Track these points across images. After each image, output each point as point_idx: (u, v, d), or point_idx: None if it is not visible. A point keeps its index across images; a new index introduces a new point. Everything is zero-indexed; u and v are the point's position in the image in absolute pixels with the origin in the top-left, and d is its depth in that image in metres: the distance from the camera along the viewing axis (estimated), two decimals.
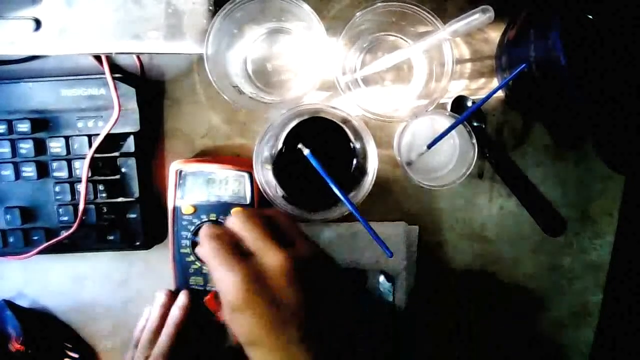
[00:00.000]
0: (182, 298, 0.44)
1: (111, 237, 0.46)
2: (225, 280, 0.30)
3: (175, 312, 0.44)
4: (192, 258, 0.44)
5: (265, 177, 0.40)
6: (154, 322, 0.44)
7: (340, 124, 0.41)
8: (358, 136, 0.41)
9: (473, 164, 0.41)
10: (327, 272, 0.34)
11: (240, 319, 0.30)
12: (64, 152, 0.44)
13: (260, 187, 0.39)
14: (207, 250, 0.32)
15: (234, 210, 0.35)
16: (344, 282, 0.45)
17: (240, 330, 0.30)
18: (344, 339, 0.33)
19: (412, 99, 0.45)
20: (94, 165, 0.44)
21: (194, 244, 0.44)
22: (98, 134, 0.43)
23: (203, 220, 0.43)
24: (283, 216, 0.35)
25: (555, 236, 0.49)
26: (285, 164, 0.41)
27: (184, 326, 0.43)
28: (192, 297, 0.45)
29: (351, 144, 0.41)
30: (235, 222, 0.33)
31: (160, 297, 0.45)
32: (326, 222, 0.47)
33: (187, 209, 0.43)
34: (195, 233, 0.43)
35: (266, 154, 0.41)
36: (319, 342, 0.31)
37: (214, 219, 0.43)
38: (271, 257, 0.31)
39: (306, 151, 0.39)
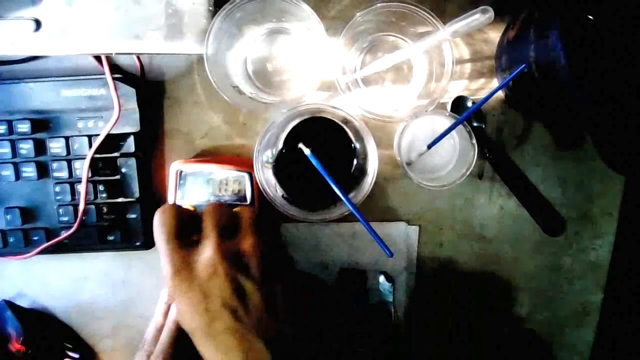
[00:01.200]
0: None
1: (111, 237, 0.46)
2: (163, 266, 0.32)
3: (175, 310, 0.44)
4: None
5: (266, 176, 0.40)
6: (159, 319, 0.44)
7: (341, 124, 0.41)
8: (358, 136, 0.41)
9: (473, 164, 0.41)
10: (269, 266, 0.35)
11: (177, 306, 0.32)
12: (64, 153, 0.44)
13: (260, 186, 0.39)
14: (154, 226, 0.34)
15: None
16: (293, 279, 0.46)
17: (179, 317, 0.32)
18: (280, 333, 0.34)
19: (412, 99, 0.45)
20: (94, 165, 0.44)
21: None
22: (98, 134, 0.43)
23: None
24: (248, 212, 0.37)
25: (555, 236, 0.49)
26: (285, 163, 0.41)
27: None
28: None
29: (352, 144, 0.41)
30: (205, 210, 0.36)
31: (165, 294, 0.45)
32: (326, 222, 0.48)
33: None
34: None
35: (267, 154, 0.41)
36: (252, 334, 0.31)
37: None
38: (206, 247, 0.32)
39: (307, 151, 0.39)
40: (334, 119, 0.41)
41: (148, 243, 0.46)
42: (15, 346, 0.45)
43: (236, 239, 0.35)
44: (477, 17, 0.36)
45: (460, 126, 0.41)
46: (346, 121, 0.41)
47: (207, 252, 0.32)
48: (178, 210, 0.36)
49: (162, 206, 0.36)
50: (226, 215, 0.36)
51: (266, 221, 0.41)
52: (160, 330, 0.44)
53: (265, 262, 0.36)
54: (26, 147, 0.44)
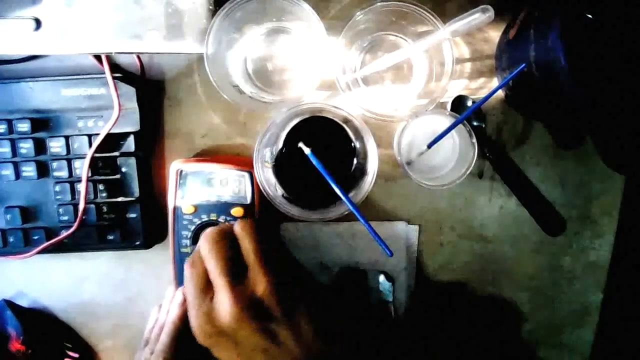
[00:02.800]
0: (179, 295, 0.44)
1: (111, 237, 0.46)
2: (191, 319, 0.34)
3: (174, 310, 0.44)
4: None
5: (266, 176, 0.40)
6: (163, 318, 0.45)
7: (341, 123, 0.41)
8: (358, 136, 0.41)
9: (473, 164, 0.41)
10: (287, 296, 0.36)
11: (213, 352, 0.34)
12: (64, 152, 0.44)
13: (260, 186, 0.39)
14: (184, 278, 0.36)
15: (207, 230, 0.37)
16: (338, 291, 0.47)
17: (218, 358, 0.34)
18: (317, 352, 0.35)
19: (412, 99, 0.45)
20: (94, 165, 0.44)
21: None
22: (98, 134, 0.43)
23: (203, 220, 0.43)
24: (246, 236, 0.37)
25: (555, 236, 0.49)
26: (285, 163, 0.41)
27: (184, 323, 0.43)
28: None
29: (352, 144, 0.41)
30: (202, 246, 0.36)
31: (170, 293, 0.45)
32: (326, 222, 0.47)
33: (187, 208, 0.43)
34: (196, 233, 0.43)
35: (267, 153, 0.41)
36: None
37: (215, 218, 0.43)
38: (222, 298, 0.34)
39: (307, 150, 0.39)
40: (334, 119, 0.41)
41: (148, 243, 0.46)
42: (15, 346, 0.45)
43: (248, 280, 0.35)
44: (477, 17, 0.36)
45: (460, 126, 0.41)
46: (346, 120, 0.41)
47: (225, 305, 0.33)
48: (203, 266, 0.36)
49: (190, 259, 0.37)
50: (227, 249, 0.36)
51: (266, 222, 0.41)
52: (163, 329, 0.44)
53: (283, 292, 0.36)
54: (26, 147, 0.44)
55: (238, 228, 0.37)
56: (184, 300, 0.44)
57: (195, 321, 0.34)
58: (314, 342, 0.35)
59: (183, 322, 0.43)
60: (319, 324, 0.36)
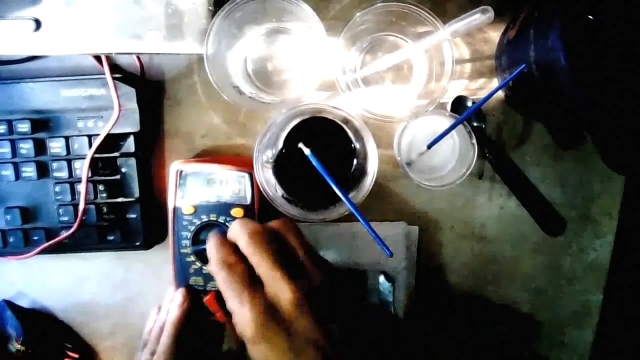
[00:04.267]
0: (179, 296, 0.44)
1: (111, 237, 0.46)
2: (240, 315, 0.32)
3: (174, 311, 0.44)
4: (192, 258, 0.44)
5: (266, 176, 0.40)
6: (163, 319, 0.44)
7: (341, 123, 0.41)
8: (359, 136, 0.41)
9: (473, 164, 0.41)
10: (337, 292, 0.35)
11: (258, 349, 0.32)
12: (64, 152, 0.44)
13: (260, 186, 0.39)
14: (219, 280, 0.33)
15: (237, 221, 0.35)
16: (350, 294, 0.46)
17: (258, 358, 0.32)
18: (363, 349, 0.35)
19: (412, 99, 0.45)
20: (94, 165, 0.44)
21: (198, 254, 0.44)
22: (98, 134, 0.43)
23: (203, 220, 0.43)
24: (290, 231, 0.35)
25: (555, 236, 0.49)
26: (285, 163, 0.41)
27: (184, 324, 0.43)
28: (192, 297, 0.45)
29: (352, 144, 0.41)
30: (246, 242, 0.33)
31: (170, 294, 0.45)
32: (326, 222, 0.47)
33: (187, 209, 0.43)
34: (196, 233, 0.43)
35: (267, 153, 0.41)
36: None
37: (214, 219, 0.43)
38: (282, 290, 0.32)
39: (307, 151, 0.39)
40: (334, 119, 0.41)
41: (148, 243, 0.46)
42: (15, 346, 0.45)
43: (302, 273, 0.34)
44: (477, 17, 0.36)
45: (460, 126, 0.41)
46: (346, 121, 0.41)
47: (286, 294, 0.32)
48: (242, 260, 0.34)
49: (221, 260, 0.34)
50: (273, 243, 0.34)
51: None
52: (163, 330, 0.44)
53: (335, 286, 0.35)
54: (26, 147, 0.44)
55: (280, 225, 0.35)
56: (184, 301, 0.44)
57: (248, 314, 0.32)
58: (354, 343, 0.35)
59: (183, 323, 0.43)
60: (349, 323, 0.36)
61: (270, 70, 0.45)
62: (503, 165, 0.47)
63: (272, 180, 0.41)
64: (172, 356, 0.42)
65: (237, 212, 0.43)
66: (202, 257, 0.44)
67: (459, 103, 0.46)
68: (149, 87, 0.46)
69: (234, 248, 0.34)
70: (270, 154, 0.41)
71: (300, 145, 0.39)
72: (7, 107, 0.44)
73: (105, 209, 0.45)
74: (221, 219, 0.43)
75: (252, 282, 0.33)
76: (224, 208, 0.43)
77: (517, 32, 0.40)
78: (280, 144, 0.41)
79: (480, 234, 0.49)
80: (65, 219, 0.45)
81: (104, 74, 0.43)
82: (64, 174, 0.45)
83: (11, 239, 0.45)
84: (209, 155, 0.48)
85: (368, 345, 0.47)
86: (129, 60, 0.46)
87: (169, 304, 0.45)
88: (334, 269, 0.37)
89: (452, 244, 0.49)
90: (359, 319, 0.49)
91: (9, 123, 0.44)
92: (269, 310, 0.32)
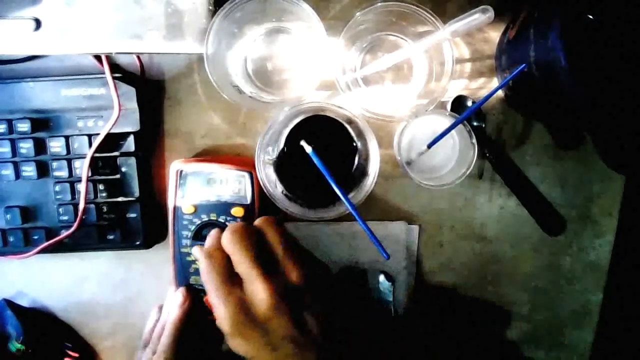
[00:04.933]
0: (179, 296, 0.44)
1: (111, 237, 0.46)
2: (218, 309, 0.33)
3: (174, 310, 0.44)
4: (192, 257, 0.44)
5: (266, 172, 0.40)
6: (164, 319, 0.45)
7: (344, 123, 0.41)
8: (361, 136, 0.41)
9: (473, 164, 0.41)
10: (318, 290, 0.35)
11: (234, 342, 0.33)
12: (64, 152, 0.44)
13: (260, 182, 0.39)
14: (201, 270, 0.35)
15: (230, 225, 0.36)
16: (339, 291, 0.46)
17: (238, 350, 0.33)
18: (343, 346, 0.35)
19: (412, 99, 0.45)
20: (94, 164, 0.44)
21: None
22: (98, 134, 0.43)
23: (203, 220, 0.43)
24: (271, 229, 0.36)
25: (555, 236, 0.49)
26: (287, 161, 0.41)
27: (185, 324, 0.43)
28: (193, 296, 0.45)
29: (354, 144, 0.41)
30: (227, 239, 0.35)
31: (171, 294, 0.45)
32: (326, 222, 0.48)
33: (187, 208, 0.43)
34: (196, 232, 0.43)
35: (269, 150, 0.41)
36: (314, 354, 0.33)
37: (215, 218, 0.43)
38: (257, 288, 0.33)
39: (308, 149, 0.39)
40: (337, 118, 0.41)
41: (148, 243, 0.46)
42: (16, 345, 0.45)
43: (279, 270, 0.34)
44: (477, 17, 0.36)
45: (460, 126, 0.41)
46: (350, 121, 0.41)
47: (261, 294, 0.33)
48: (225, 255, 0.35)
49: (207, 250, 0.36)
50: (253, 241, 0.35)
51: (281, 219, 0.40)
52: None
53: (314, 281, 0.35)
54: (26, 147, 0.44)
55: (261, 222, 0.36)
56: (184, 301, 0.44)
57: (224, 311, 0.33)
58: (335, 333, 0.35)
59: (183, 322, 0.43)
60: (335, 314, 0.36)
61: (270, 70, 0.45)
62: (503, 165, 0.47)
63: (273, 177, 0.41)
64: (173, 356, 0.42)
65: (237, 211, 0.43)
66: None
67: (459, 103, 0.46)
68: (149, 86, 0.46)
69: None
70: (272, 150, 0.42)
71: (302, 142, 0.39)
72: (7, 106, 0.44)
73: (105, 209, 0.45)
74: (221, 219, 0.43)
75: (231, 277, 0.34)
76: (224, 207, 0.43)
77: (517, 32, 0.40)
78: (283, 141, 0.41)
79: (480, 233, 0.49)
80: (65, 218, 0.45)
81: (104, 73, 0.43)
82: (64, 173, 0.45)
83: (11, 239, 0.45)
84: (209, 155, 0.48)
85: (368, 344, 0.48)
86: (129, 60, 0.46)
87: (170, 304, 0.45)
88: (323, 263, 0.38)
89: (452, 244, 0.49)
90: (358, 319, 0.49)
91: (9, 122, 0.44)
92: (244, 308, 0.33)
